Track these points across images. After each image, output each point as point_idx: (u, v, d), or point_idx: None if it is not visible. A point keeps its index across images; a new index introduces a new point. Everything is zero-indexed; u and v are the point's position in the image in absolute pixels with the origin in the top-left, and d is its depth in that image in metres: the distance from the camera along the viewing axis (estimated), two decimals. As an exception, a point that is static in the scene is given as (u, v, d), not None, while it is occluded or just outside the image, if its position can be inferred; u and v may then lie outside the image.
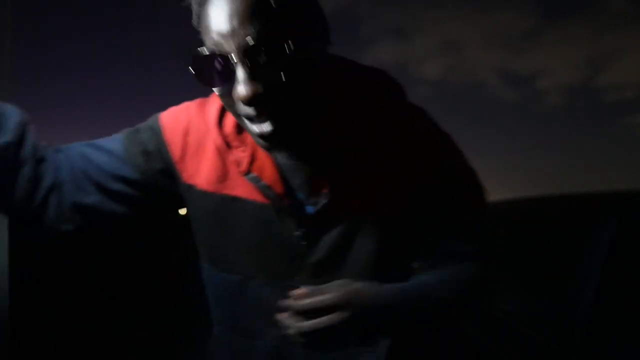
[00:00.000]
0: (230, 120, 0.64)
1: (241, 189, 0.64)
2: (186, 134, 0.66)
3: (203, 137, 0.66)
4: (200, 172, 0.66)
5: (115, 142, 0.67)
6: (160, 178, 0.67)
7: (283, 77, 0.51)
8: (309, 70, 0.54)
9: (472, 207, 0.66)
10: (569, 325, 1.07)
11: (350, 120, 0.62)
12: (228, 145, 0.64)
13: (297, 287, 0.61)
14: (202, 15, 0.53)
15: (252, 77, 0.50)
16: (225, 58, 0.51)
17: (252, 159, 0.63)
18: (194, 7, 0.55)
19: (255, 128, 0.55)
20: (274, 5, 0.49)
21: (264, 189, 0.62)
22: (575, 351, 1.03)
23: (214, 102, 0.67)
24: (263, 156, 0.63)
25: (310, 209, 0.63)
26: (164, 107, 0.70)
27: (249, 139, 0.63)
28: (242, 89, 0.50)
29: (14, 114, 0.61)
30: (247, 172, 0.63)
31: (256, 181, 0.62)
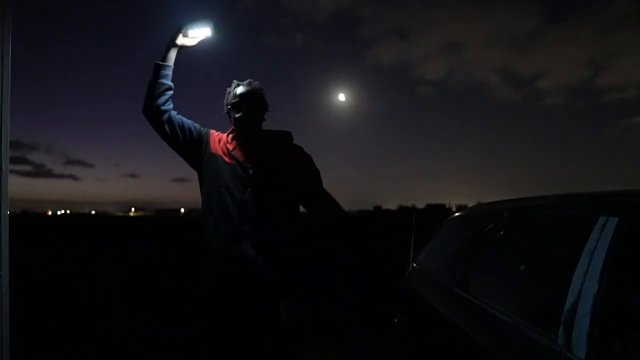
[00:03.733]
0: (229, 137, 1.80)
1: (227, 157, 1.73)
2: (215, 135, 1.82)
3: (223, 140, 1.79)
4: (215, 148, 1.76)
5: (193, 122, 1.80)
6: (201, 139, 1.78)
7: (257, 110, 1.78)
8: (262, 114, 1.81)
9: (319, 178, 1.80)
10: (569, 325, 1.08)
11: (272, 140, 1.80)
12: (227, 143, 1.78)
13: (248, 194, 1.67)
14: (232, 93, 1.79)
15: (248, 112, 1.75)
16: (240, 104, 1.76)
17: (234, 148, 1.75)
18: (230, 93, 1.80)
19: (243, 126, 1.76)
20: (259, 95, 1.78)
21: (235, 158, 1.72)
22: (575, 351, 1.03)
23: (225, 134, 1.82)
24: (237, 150, 1.74)
25: (250, 170, 1.70)
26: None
27: (235, 144, 1.76)
28: (244, 115, 1.74)
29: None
30: (232, 151, 1.74)
31: (234, 155, 1.73)
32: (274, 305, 1.63)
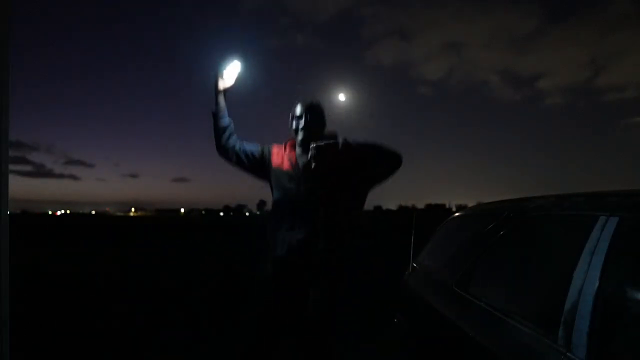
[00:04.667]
0: (287, 147, 2.16)
1: (285, 165, 2.09)
2: (275, 149, 2.17)
3: (280, 152, 2.15)
4: (275, 161, 2.12)
5: (255, 144, 2.18)
6: (263, 158, 2.15)
7: (315, 122, 2.09)
8: (320, 128, 2.12)
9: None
10: (569, 325, 1.08)
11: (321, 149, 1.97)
12: (285, 152, 2.14)
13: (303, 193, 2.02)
14: (295, 110, 2.11)
15: (307, 126, 2.08)
16: (299, 117, 2.10)
17: (291, 156, 2.11)
18: (293, 108, 2.12)
19: (300, 138, 2.09)
20: (319, 112, 2.13)
21: (292, 164, 2.08)
22: (575, 351, 1.03)
23: (283, 144, 2.18)
24: (293, 157, 2.11)
25: (303, 173, 2.05)
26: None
27: (292, 152, 2.13)
28: (304, 131, 2.07)
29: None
30: (290, 158, 2.10)
31: (291, 161, 2.09)
32: (304, 291, 1.95)
